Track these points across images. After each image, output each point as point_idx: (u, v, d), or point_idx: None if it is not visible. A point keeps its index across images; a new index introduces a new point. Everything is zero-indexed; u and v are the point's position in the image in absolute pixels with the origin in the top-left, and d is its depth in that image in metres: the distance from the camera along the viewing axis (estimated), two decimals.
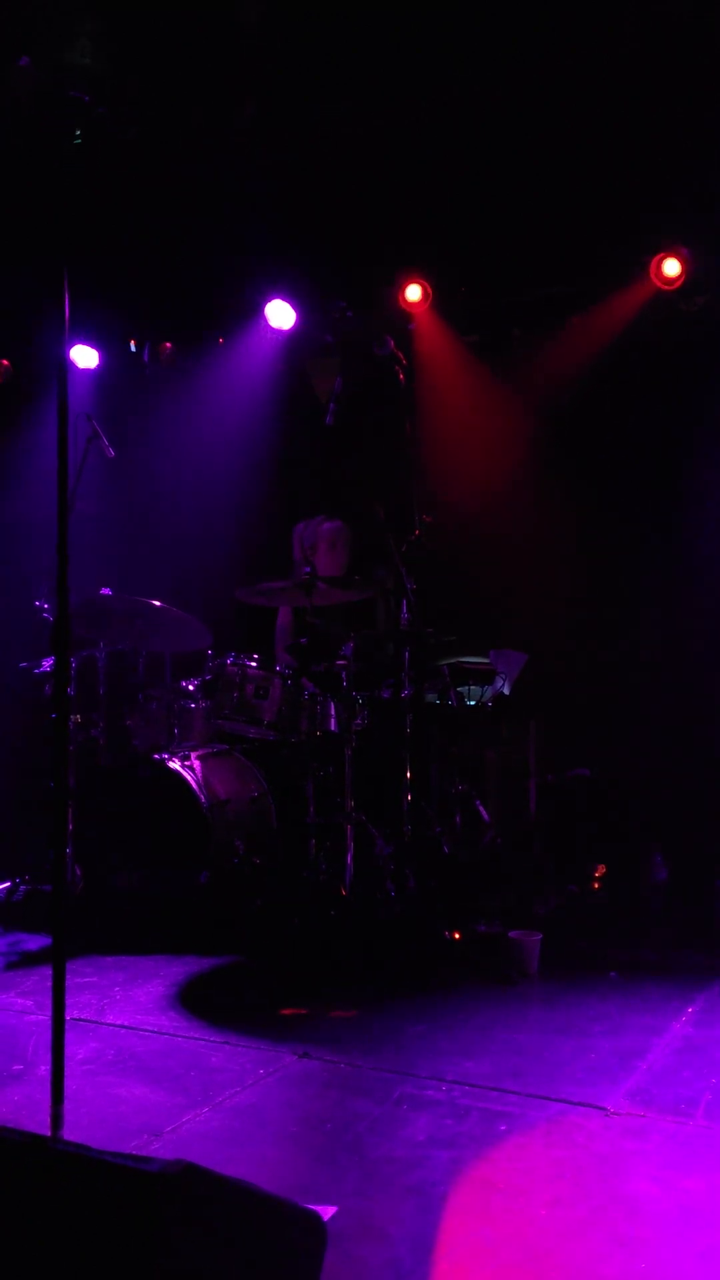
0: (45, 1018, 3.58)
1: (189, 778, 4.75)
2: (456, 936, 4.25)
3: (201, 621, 5.15)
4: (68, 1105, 2.58)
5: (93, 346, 6.25)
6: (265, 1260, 1.82)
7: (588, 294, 5.50)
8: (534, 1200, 2.37)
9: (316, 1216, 1.95)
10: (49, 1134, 2.40)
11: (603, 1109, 2.81)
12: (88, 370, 6.32)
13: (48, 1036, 3.33)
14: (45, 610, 5.31)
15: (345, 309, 4.72)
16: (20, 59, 2.57)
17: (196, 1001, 3.78)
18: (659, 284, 5.22)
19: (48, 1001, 3.70)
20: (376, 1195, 2.43)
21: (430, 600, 4.63)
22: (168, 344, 6.16)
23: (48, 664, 5.40)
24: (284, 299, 5.74)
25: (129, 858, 4.81)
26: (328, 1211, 2.28)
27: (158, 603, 5.05)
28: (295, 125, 5.10)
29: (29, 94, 4.94)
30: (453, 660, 5.11)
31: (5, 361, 6.31)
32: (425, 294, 5.51)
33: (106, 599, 5.13)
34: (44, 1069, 3.13)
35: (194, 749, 5.00)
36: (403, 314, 5.56)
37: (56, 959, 2.60)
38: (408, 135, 5.10)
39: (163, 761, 4.80)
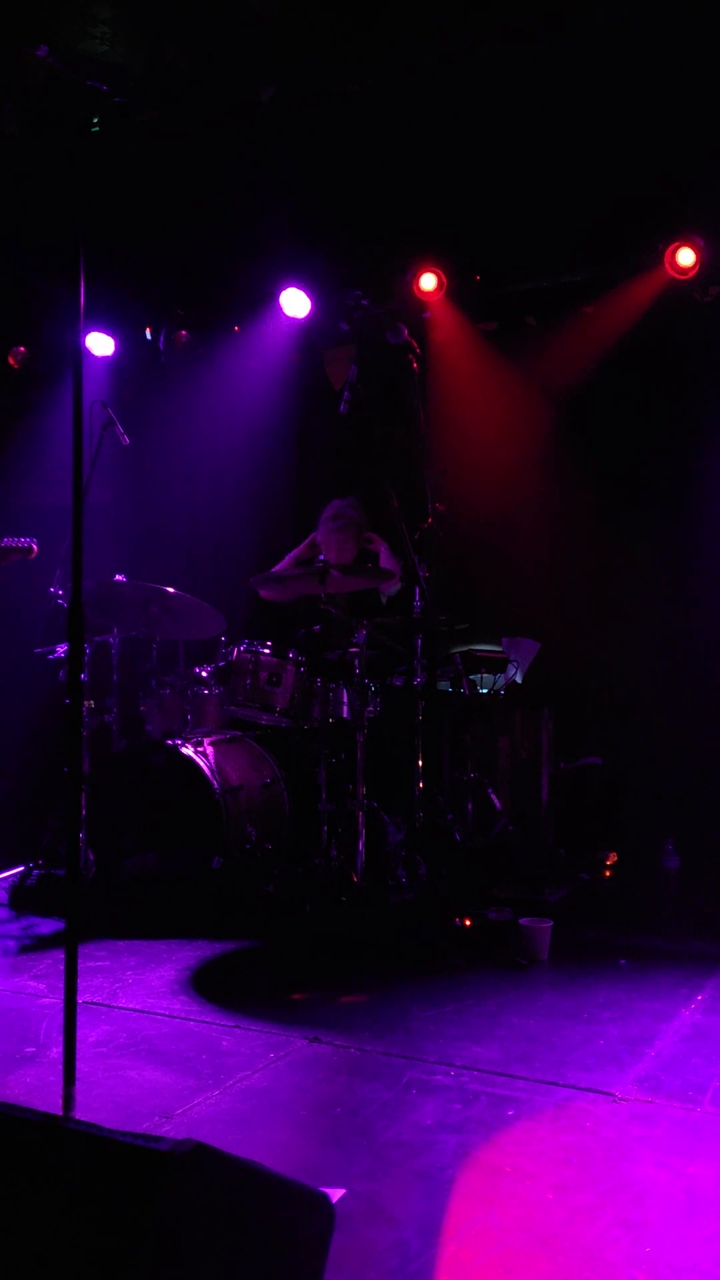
0: (58, 1001, 3.60)
1: (202, 763, 4.77)
2: (467, 923, 4.27)
3: (215, 608, 5.17)
4: (80, 1087, 2.61)
5: (109, 334, 6.25)
6: (273, 1240, 1.84)
7: (602, 283, 5.48)
8: (541, 1184, 2.39)
9: (325, 1198, 1.97)
10: (61, 1115, 2.42)
11: (611, 1095, 2.82)
12: (104, 358, 6.33)
13: (60, 1019, 3.38)
14: (60, 596, 5.33)
15: (360, 297, 4.71)
16: (38, 48, 2.57)
17: (208, 986, 3.81)
18: (673, 273, 5.20)
19: (60, 985, 3.74)
20: (384, 1178, 2.45)
21: (443, 588, 4.63)
22: (183, 332, 6.17)
23: (62, 649, 5.42)
24: (299, 287, 5.73)
25: (141, 842, 4.84)
26: (336, 1193, 2.30)
27: (171, 589, 5.07)
28: (310, 112, 5.09)
29: (47, 83, 4.95)
30: (465, 648, 5.12)
31: (22, 348, 6.32)
32: (440, 282, 5.50)
33: (120, 585, 5.15)
34: (56, 1051, 3.15)
35: (207, 735, 5.02)
36: (417, 302, 5.55)
37: (69, 943, 2.62)
38: (423, 122, 5.08)
39: (176, 747, 4.83)
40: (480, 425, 5.67)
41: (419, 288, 5.52)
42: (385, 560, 5.34)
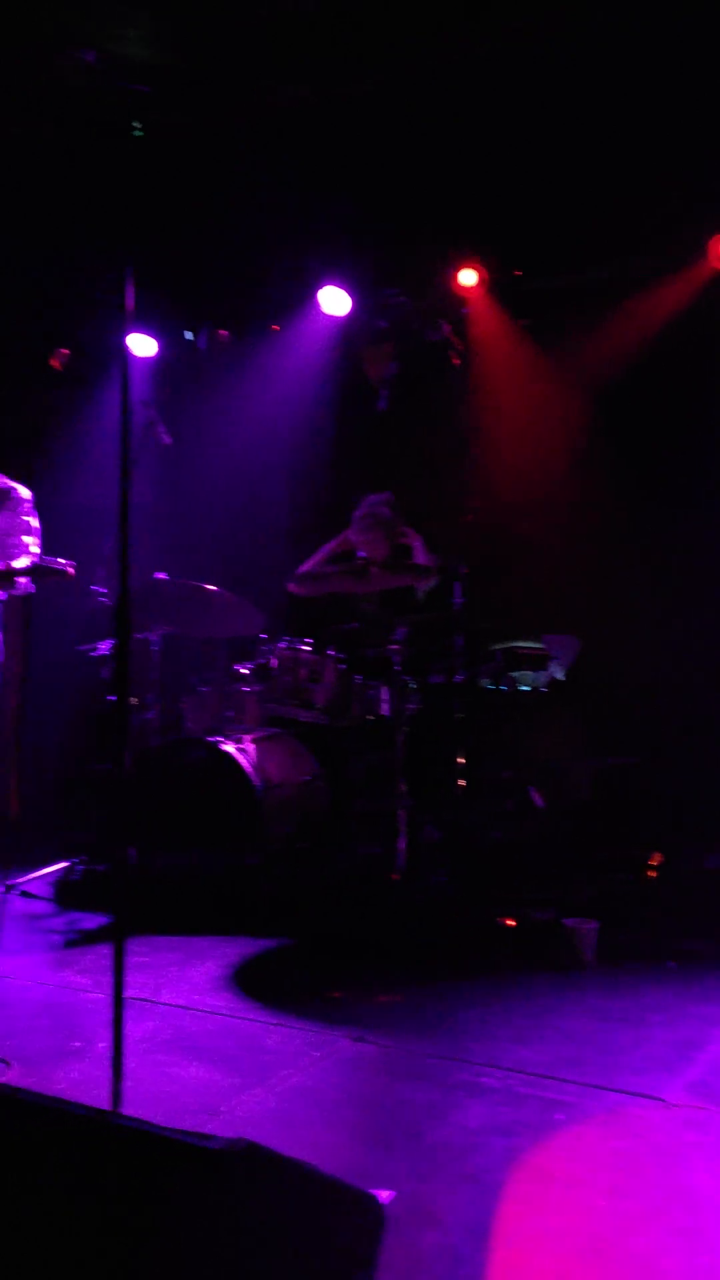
0: (102, 996, 3.62)
1: (242, 760, 4.76)
2: (510, 923, 4.23)
3: (255, 606, 5.17)
4: (125, 1083, 2.60)
5: (150, 334, 6.28)
6: (324, 1241, 1.82)
7: (643, 277, 5.41)
8: (593, 1190, 2.35)
9: (375, 1200, 1.95)
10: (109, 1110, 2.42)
11: (661, 1100, 2.78)
12: (145, 358, 6.35)
13: (105, 1014, 3.38)
14: (101, 594, 5.35)
15: (399, 294, 4.69)
16: (86, 53, 2.57)
17: (250, 983, 3.80)
18: (718, 266, 5.13)
19: (105, 980, 3.74)
20: (432, 1181, 2.43)
21: (482, 584, 4.60)
22: (223, 331, 6.18)
23: (104, 647, 5.44)
24: (338, 285, 5.71)
25: (182, 839, 4.84)
26: (385, 1195, 2.27)
27: (211, 587, 5.07)
28: (348, 109, 5.06)
29: (90, 87, 4.97)
30: (505, 645, 5.08)
31: (65, 350, 6.35)
32: (479, 278, 5.46)
33: (161, 584, 5.16)
34: (102, 1046, 3.16)
35: (247, 732, 5.02)
36: (456, 298, 5.52)
37: (117, 940, 2.61)
38: (461, 117, 5.04)
39: (216, 744, 4.82)
40: (520, 420, 5.62)
41: (458, 283, 5.48)
42: (420, 556, 5.31)
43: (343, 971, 3.94)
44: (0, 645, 5.37)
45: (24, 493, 5.39)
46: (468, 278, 5.46)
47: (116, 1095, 2.49)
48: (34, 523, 5.33)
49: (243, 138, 5.22)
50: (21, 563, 4.90)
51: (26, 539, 5.23)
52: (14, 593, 5.13)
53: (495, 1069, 3.00)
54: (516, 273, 5.46)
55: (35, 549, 5.24)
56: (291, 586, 5.29)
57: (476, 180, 5.18)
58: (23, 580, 5.04)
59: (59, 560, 5.08)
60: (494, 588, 5.03)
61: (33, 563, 4.93)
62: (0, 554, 5.13)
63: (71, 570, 4.99)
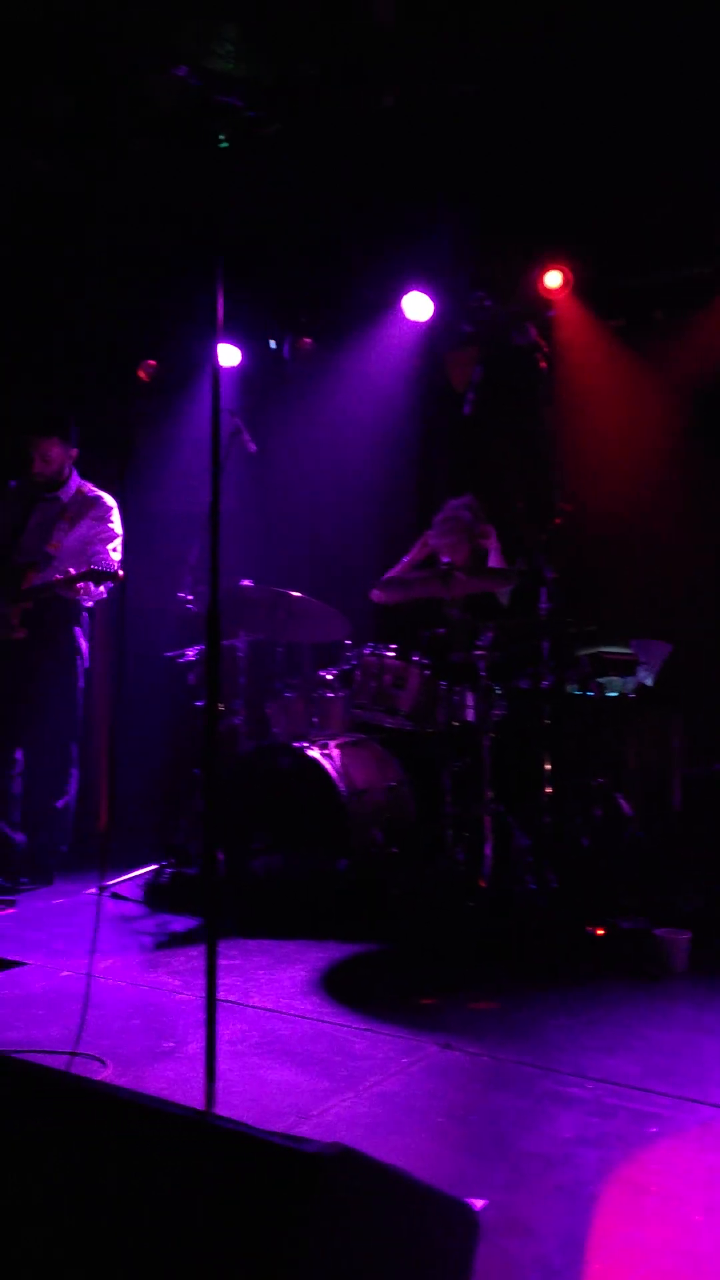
0: (193, 997, 3.67)
1: (328, 766, 4.79)
2: (599, 932, 4.18)
3: (339, 612, 5.19)
4: (217, 1084, 2.64)
5: (235, 344, 6.36)
6: (419, 1248, 1.82)
7: None
8: (689, 1205, 2.31)
9: (469, 1208, 1.94)
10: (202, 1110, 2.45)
11: None
12: (230, 367, 6.43)
13: (196, 1015, 3.43)
14: (189, 601, 5.43)
15: (484, 298, 4.67)
16: (178, 68, 2.62)
17: (338, 987, 3.82)
18: None
19: (195, 982, 3.82)
20: (524, 1191, 2.41)
21: (570, 589, 4.56)
22: (307, 339, 6.22)
23: (191, 653, 5.52)
24: (421, 290, 5.72)
25: (268, 843, 4.88)
26: (477, 1204, 2.26)
27: (296, 593, 5.11)
28: (431, 114, 5.07)
29: (178, 101, 5.05)
30: (593, 650, 5.02)
31: (152, 361, 6.46)
32: (565, 279, 5.41)
33: (247, 590, 5.21)
34: (193, 1047, 3.20)
35: (332, 737, 5.04)
36: (542, 300, 5.47)
37: (210, 944, 2.64)
38: (544, 117, 5.01)
39: (302, 750, 4.85)
40: (608, 423, 5.56)
41: (544, 285, 5.44)
42: (494, 559, 5.29)
43: (431, 978, 3.94)
44: (85, 652, 5.48)
45: (109, 501, 5.50)
46: (553, 279, 5.41)
47: (210, 1096, 2.52)
48: (118, 530, 5.44)
49: (327, 147, 5.26)
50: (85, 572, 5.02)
51: (109, 546, 5.35)
52: (83, 599, 5.24)
53: (584, 1079, 2.97)
54: (604, 273, 5.40)
55: (117, 555, 5.34)
56: (376, 594, 5.31)
57: (561, 180, 5.14)
58: (96, 589, 5.16)
59: (108, 561, 5.20)
60: (581, 592, 4.98)
61: (89, 568, 5.04)
62: (83, 560, 5.25)
63: (120, 573, 5.10)
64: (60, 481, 5.49)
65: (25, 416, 5.56)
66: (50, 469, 5.45)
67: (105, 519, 5.46)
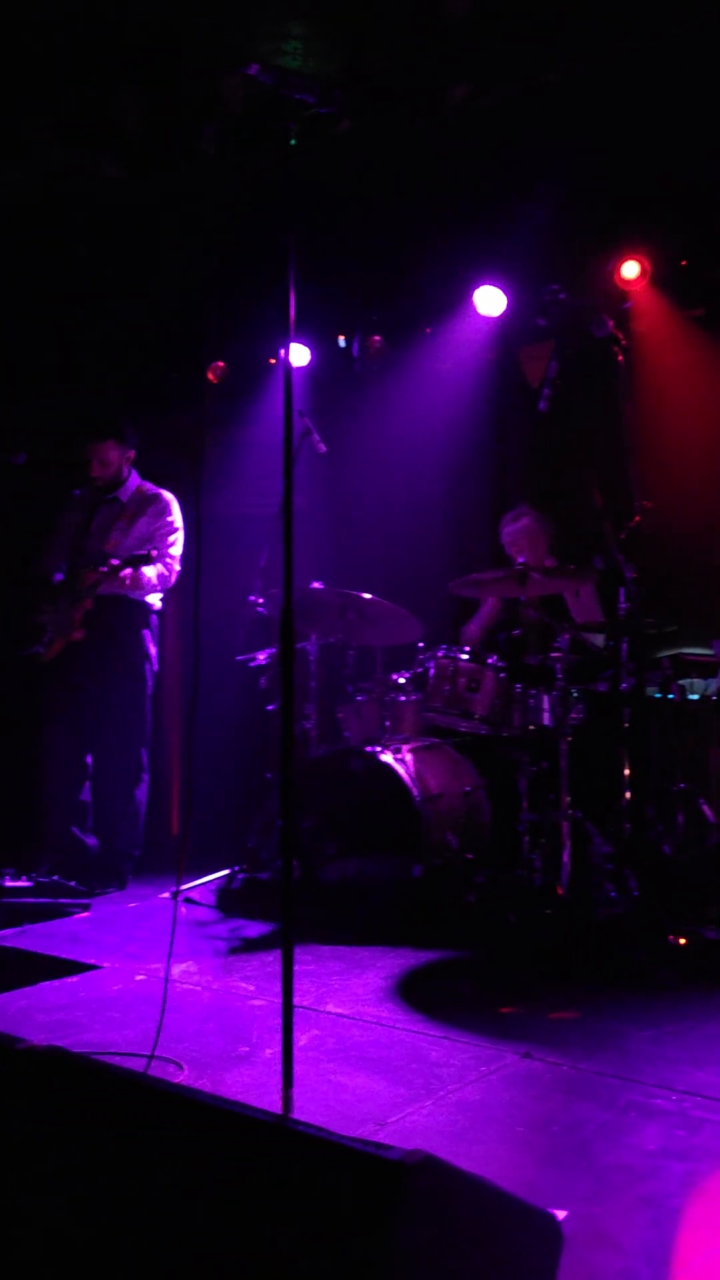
0: (267, 1002, 3.64)
1: (401, 770, 4.74)
2: (681, 941, 4.07)
3: (412, 614, 5.15)
4: (293, 1090, 2.60)
5: (304, 343, 6.34)
6: (501, 1257, 1.76)
7: None
8: None
9: (553, 1219, 1.88)
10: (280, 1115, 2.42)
11: None
12: (299, 367, 6.43)
13: (271, 1020, 3.41)
14: (260, 604, 5.42)
15: (558, 291, 4.60)
16: (249, 67, 2.61)
17: (414, 994, 3.76)
18: None
19: (269, 987, 3.79)
20: (607, 1203, 2.34)
21: (650, 589, 4.46)
22: (377, 337, 6.19)
23: (262, 656, 5.51)
24: (494, 284, 5.65)
25: (342, 849, 4.84)
26: (558, 1215, 2.20)
27: (368, 595, 5.07)
28: (502, 105, 5.02)
29: (245, 103, 5.08)
30: (674, 652, 4.91)
31: (221, 363, 6.49)
32: (643, 270, 5.30)
33: (318, 592, 5.19)
34: (268, 1052, 3.18)
35: (405, 742, 4.99)
36: (619, 292, 5.36)
37: (285, 950, 2.62)
38: (619, 104, 4.93)
39: (374, 754, 4.81)
40: (690, 417, 5.42)
41: (620, 276, 5.32)
42: (587, 602, 5.23)
43: (508, 986, 3.87)
44: (154, 656, 5.51)
45: (167, 496, 5.53)
46: (630, 269, 5.30)
47: (287, 1101, 2.49)
48: (178, 524, 5.46)
49: (398, 142, 5.23)
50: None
51: (169, 539, 5.38)
52: (137, 594, 5.27)
53: (669, 1091, 2.88)
54: (683, 262, 5.28)
55: (177, 550, 5.38)
56: (455, 590, 5.23)
57: (636, 169, 5.05)
58: (146, 579, 5.20)
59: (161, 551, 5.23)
60: (662, 591, 4.87)
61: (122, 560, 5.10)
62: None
63: (169, 564, 5.14)
64: (119, 482, 5.54)
65: (86, 422, 5.62)
66: (108, 471, 5.50)
67: (164, 514, 5.49)
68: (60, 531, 5.59)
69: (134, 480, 5.59)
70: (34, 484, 5.76)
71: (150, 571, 5.27)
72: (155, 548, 5.32)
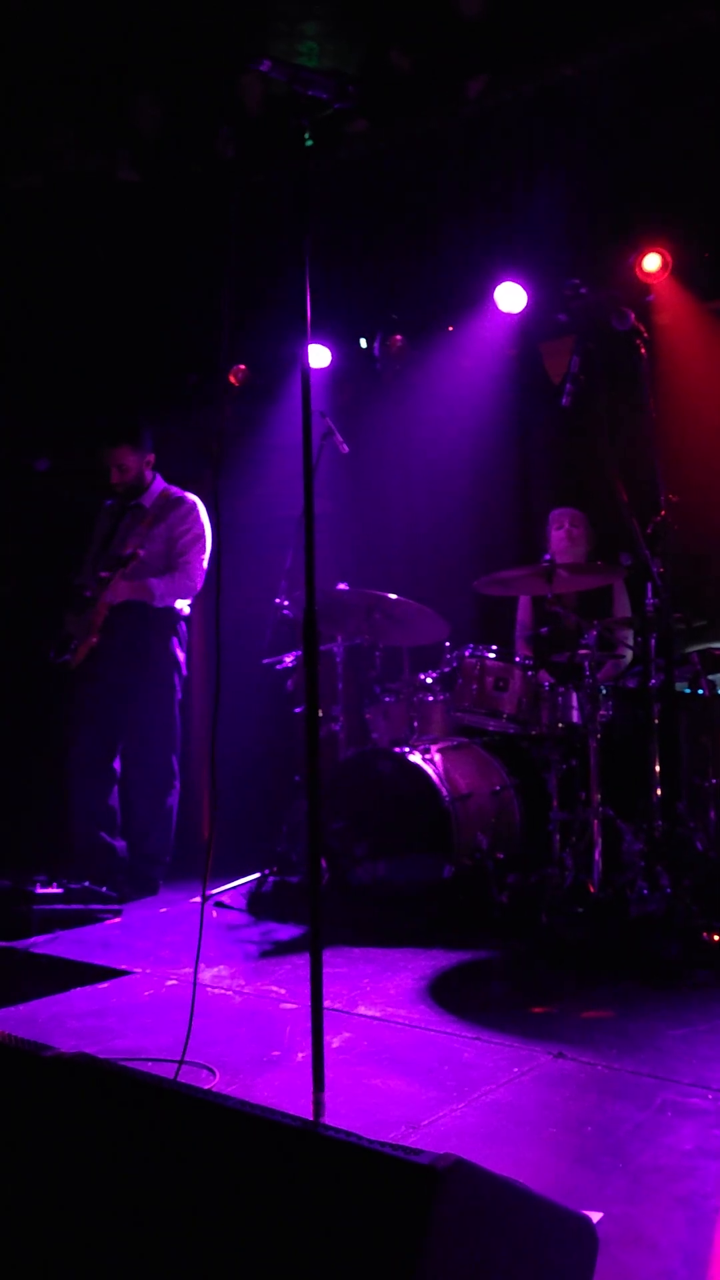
0: (299, 1005, 3.64)
1: (430, 771, 4.72)
2: (716, 939, 4.02)
3: (438, 614, 5.13)
4: (325, 1093, 2.59)
5: (325, 344, 6.33)
6: (536, 1261, 1.74)
7: None
8: None
9: (588, 1221, 1.86)
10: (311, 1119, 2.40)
11: None
12: (320, 369, 6.42)
13: (302, 1024, 3.39)
14: (285, 607, 5.42)
15: (578, 286, 4.56)
16: (261, 63, 2.60)
17: (445, 995, 3.74)
18: None
19: (300, 990, 3.78)
20: (643, 1203, 2.31)
21: (678, 584, 4.42)
22: (398, 336, 6.17)
23: (289, 659, 5.51)
24: (514, 280, 5.61)
25: (372, 851, 4.83)
26: (593, 1217, 2.18)
27: (394, 596, 5.06)
28: (520, 100, 4.99)
29: (263, 102, 5.08)
30: (703, 647, 4.86)
31: (242, 366, 6.49)
32: (664, 262, 5.25)
33: (343, 594, 5.18)
34: (300, 1056, 3.17)
35: (434, 742, 4.97)
36: (640, 285, 5.31)
37: (314, 952, 2.61)
38: (636, 97, 4.89)
39: (403, 755, 4.80)
40: (714, 409, 5.37)
41: (641, 269, 5.27)
42: (619, 601, 5.18)
43: (540, 986, 3.84)
44: (182, 663, 5.51)
45: (192, 499, 5.54)
46: (652, 262, 5.25)
47: (318, 1105, 2.48)
48: (202, 528, 5.46)
49: (415, 139, 5.21)
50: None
51: (190, 546, 5.38)
52: (156, 602, 5.28)
53: (705, 1090, 2.85)
54: (705, 254, 5.23)
55: (199, 556, 5.38)
56: (480, 588, 5.20)
57: (656, 161, 5.01)
58: (160, 588, 5.21)
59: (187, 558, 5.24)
60: (690, 586, 4.83)
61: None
62: (168, 561, 5.30)
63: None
64: (142, 487, 5.53)
65: (103, 427, 5.63)
66: (128, 477, 5.50)
67: (185, 519, 5.48)
68: (92, 542, 5.62)
69: (158, 485, 5.60)
70: (58, 491, 5.79)
71: (164, 584, 5.28)
72: (180, 556, 5.33)
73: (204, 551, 5.49)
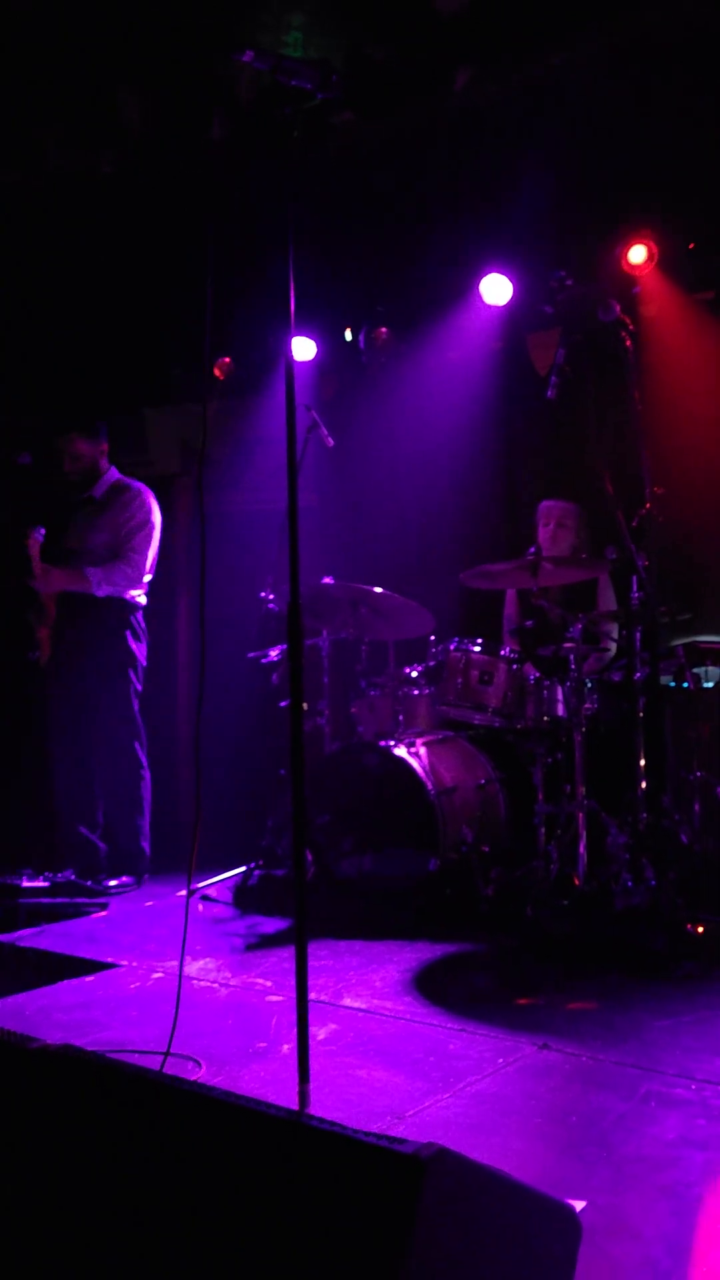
0: (285, 998, 3.64)
1: (415, 764, 4.73)
2: (699, 930, 4.04)
3: (424, 607, 5.13)
4: (310, 1084, 2.60)
5: (310, 336, 6.32)
6: (520, 1249, 1.75)
7: None
8: None
9: (571, 1210, 1.87)
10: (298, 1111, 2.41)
11: None
12: (305, 361, 6.40)
13: (288, 1016, 3.40)
14: (270, 601, 5.41)
15: (564, 278, 4.55)
16: (244, 53, 2.59)
17: (431, 988, 3.75)
18: None
19: (286, 982, 3.78)
20: (627, 1193, 2.33)
21: (664, 577, 4.43)
22: (383, 329, 6.15)
23: (274, 653, 5.50)
24: (500, 272, 5.60)
25: (357, 844, 4.84)
26: (577, 1205, 2.19)
27: (379, 589, 5.06)
28: (506, 91, 4.98)
29: (255, 91, 5.05)
30: (688, 640, 4.88)
31: (227, 359, 6.47)
32: (650, 254, 5.24)
33: (328, 588, 5.18)
34: (286, 1047, 3.17)
35: (419, 735, 4.98)
36: (626, 277, 5.30)
37: (299, 945, 2.61)
38: (622, 88, 4.88)
39: (388, 748, 4.80)
40: (700, 401, 5.36)
41: (627, 261, 5.26)
42: (604, 595, 5.17)
43: (526, 978, 3.86)
44: (137, 653, 5.47)
45: (139, 486, 5.50)
46: (638, 254, 5.25)
47: (304, 1096, 2.49)
48: (148, 515, 5.42)
49: (399, 131, 5.20)
50: None
51: (132, 533, 5.35)
52: (98, 591, 5.25)
53: (689, 1080, 2.87)
54: (690, 245, 5.23)
55: (143, 544, 5.35)
56: (466, 581, 5.21)
57: (640, 152, 4.99)
58: (107, 576, 5.19)
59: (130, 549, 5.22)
60: (675, 580, 4.84)
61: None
62: (114, 550, 5.28)
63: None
64: (95, 477, 5.49)
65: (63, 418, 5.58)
66: (82, 465, 5.45)
67: (129, 506, 5.44)
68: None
69: (111, 475, 5.54)
70: (40, 486, 5.76)
71: (97, 568, 5.25)
72: (121, 541, 5.31)
73: (150, 540, 5.43)
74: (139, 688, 5.50)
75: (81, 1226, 1.77)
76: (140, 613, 5.51)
